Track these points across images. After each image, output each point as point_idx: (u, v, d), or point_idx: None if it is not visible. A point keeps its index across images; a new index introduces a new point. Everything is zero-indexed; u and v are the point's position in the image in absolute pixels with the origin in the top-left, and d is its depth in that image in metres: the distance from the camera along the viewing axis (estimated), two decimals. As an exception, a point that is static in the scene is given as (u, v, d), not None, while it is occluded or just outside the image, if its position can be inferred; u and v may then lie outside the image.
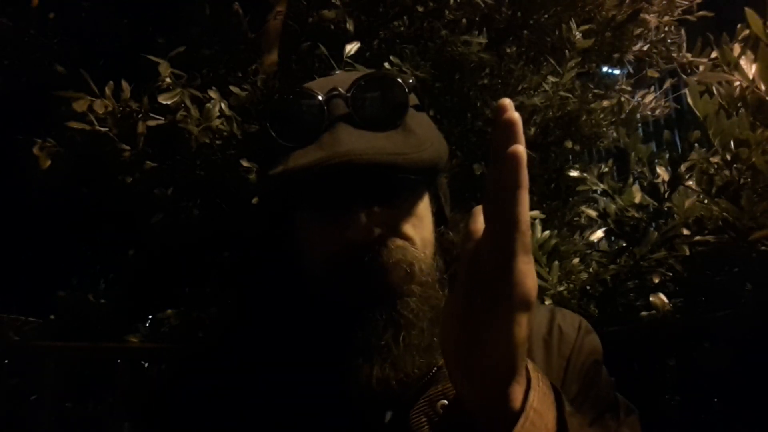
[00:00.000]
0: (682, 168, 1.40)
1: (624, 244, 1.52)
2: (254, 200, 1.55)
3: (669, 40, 2.21)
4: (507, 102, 0.45)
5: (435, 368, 0.65)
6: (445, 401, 0.64)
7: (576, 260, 1.56)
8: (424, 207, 0.71)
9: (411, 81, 0.71)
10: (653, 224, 1.46)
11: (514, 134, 0.44)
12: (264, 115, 0.70)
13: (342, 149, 0.62)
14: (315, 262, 0.67)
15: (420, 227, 0.69)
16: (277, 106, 0.70)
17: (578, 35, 1.83)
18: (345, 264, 0.64)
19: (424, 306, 0.65)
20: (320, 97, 0.67)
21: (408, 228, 0.67)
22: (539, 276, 1.48)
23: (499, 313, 0.46)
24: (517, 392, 0.48)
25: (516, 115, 0.44)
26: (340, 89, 0.67)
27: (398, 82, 0.69)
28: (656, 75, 2.26)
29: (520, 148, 0.44)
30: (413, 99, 0.71)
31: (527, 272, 0.46)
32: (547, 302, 1.44)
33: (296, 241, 0.70)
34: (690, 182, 1.39)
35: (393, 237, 0.66)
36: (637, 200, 1.50)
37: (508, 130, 0.44)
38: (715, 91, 1.28)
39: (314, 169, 0.61)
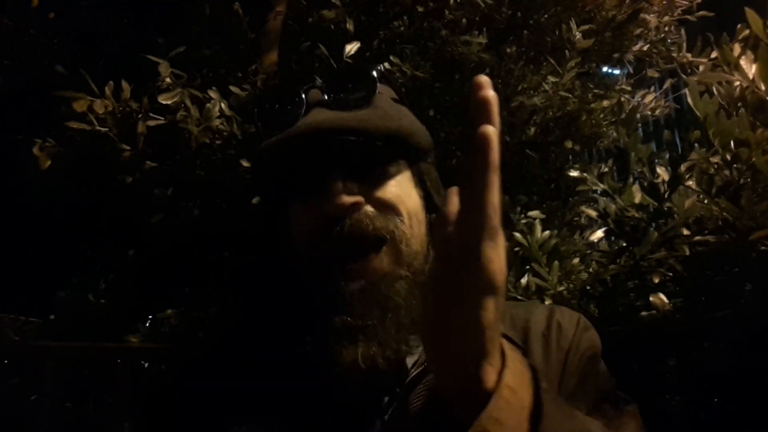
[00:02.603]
0: (682, 168, 1.40)
1: (624, 244, 1.52)
2: (254, 200, 1.55)
3: (669, 40, 2.21)
4: (484, 80, 0.44)
5: None
6: None
7: (576, 260, 1.56)
8: (405, 183, 0.73)
9: (380, 68, 0.77)
10: (653, 224, 1.46)
11: (487, 114, 0.43)
12: (254, 111, 0.76)
13: (309, 121, 0.68)
14: (301, 241, 0.70)
15: (405, 200, 0.71)
16: (264, 101, 0.75)
17: (578, 35, 1.83)
18: (325, 236, 0.66)
19: (413, 289, 0.67)
20: (299, 90, 0.73)
21: (390, 197, 0.70)
22: (539, 276, 1.48)
23: (465, 298, 0.46)
24: (490, 373, 0.48)
25: (491, 94, 0.44)
26: (317, 80, 0.74)
27: (366, 69, 0.75)
28: (656, 75, 2.25)
29: (490, 129, 0.43)
30: (389, 92, 0.77)
31: (493, 257, 0.45)
32: (547, 302, 1.44)
33: (290, 232, 0.72)
34: (690, 182, 1.39)
35: (370, 206, 0.68)
36: (637, 200, 1.50)
37: (482, 109, 0.43)
38: (715, 91, 1.28)
39: (283, 141, 0.67)
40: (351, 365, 0.62)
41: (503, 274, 0.46)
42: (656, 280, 1.35)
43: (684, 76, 1.91)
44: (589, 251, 1.65)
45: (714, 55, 1.44)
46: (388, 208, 0.69)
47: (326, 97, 0.71)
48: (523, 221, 1.68)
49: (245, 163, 1.59)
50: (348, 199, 0.66)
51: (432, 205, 0.77)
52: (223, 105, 1.65)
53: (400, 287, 0.66)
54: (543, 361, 0.71)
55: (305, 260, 0.69)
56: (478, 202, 0.44)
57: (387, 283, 0.66)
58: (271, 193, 0.77)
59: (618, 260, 1.50)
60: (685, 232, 1.35)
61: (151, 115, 1.63)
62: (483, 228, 0.45)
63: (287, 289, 0.72)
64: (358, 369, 0.62)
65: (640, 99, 2.27)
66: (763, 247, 1.15)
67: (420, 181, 0.76)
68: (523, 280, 1.49)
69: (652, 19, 2.17)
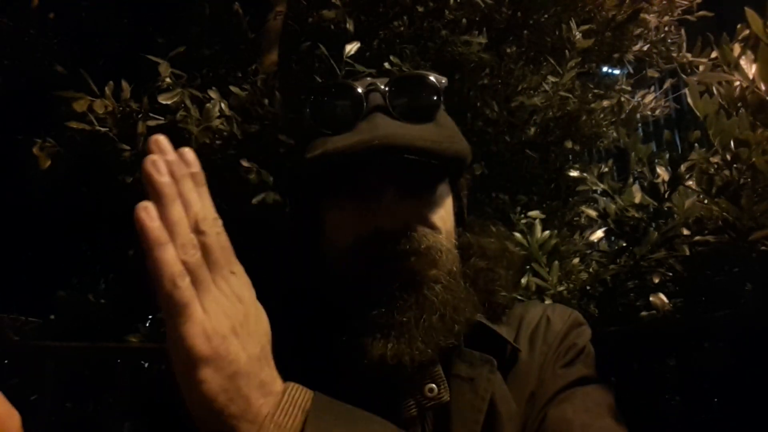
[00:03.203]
0: (682, 168, 1.40)
1: (624, 244, 1.52)
2: (255, 200, 1.55)
3: (669, 40, 2.21)
4: (157, 140, 0.47)
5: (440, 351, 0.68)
6: (433, 385, 0.67)
7: (576, 260, 1.56)
8: (449, 203, 0.74)
9: (444, 82, 0.74)
10: (653, 224, 1.46)
11: (148, 187, 0.46)
12: (305, 105, 0.73)
13: (381, 133, 0.65)
14: (342, 246, 0.69)
15: (446, 220, 0.72)
16: (317, 97, 0.72)
17: (578, 35, 1.83)
18: (374, 248, 0.66)
19: (447, 294, 0.68)
20: (360, 90, 0.70)
21: (436, 218, 0.70)
22: (539, 276, 1.48)
23: (179, 375, 0.46)
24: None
25: (151, 166, 0.46)
26: (378, 84, 0.71)
27: (432, 81, 0.73)
28: (656, 75, 2.25)
29: (140, 206, 0.45)
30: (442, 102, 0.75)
31: (183, 334, 0.45)
32: (547, 302, 1.44)
33: (322, 226, 0.72)
34: (690, 182, 1.39)
35: (422, 225, 0.69)
36: (637, 200, 1.49)
37: (145, 182, 0.46)
38: (715, 91, 1.28)
39: (354, 149, 0.64)
40: (378, 360, 0.62)
41: (205, 345, 0.45)
42: (656, 280, 1.35)
43: (684, 76, 1.90)
44: (589, 251, 1.65)
45: (714, 55, 1.44)
46: (435, 228, 0.70)
47: (388, 102, 0.70)
48: (523, 221, 1.68)
49: (245, 163, 1.58)
50: (404, 217, 0.67)
51: (462, 219, 0.78)
52: (223, 105, 1.65)
53: (439, 290, 0.67)
54: (527, 356, 0.72)
55: (340, 261, 0.69)
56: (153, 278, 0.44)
57: (427, 285, 0.67)
58: (308, 191, 0.76)
59: (618, 260, 1.50)
60: (685, 232, 1.35)
61: (151, 115, 1.63)
62: (164, 307, 0.45)
63: (305, 289, 0.72)
64: (384, 364, 0.62)
65: (640, 99, 2.27)
66: (763, 247, 1.15)
67: (456, 197, 0.77)
68: (523, 280, 1.49)
69: (652, 19, 2.17)
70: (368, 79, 0.77)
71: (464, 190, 0.80)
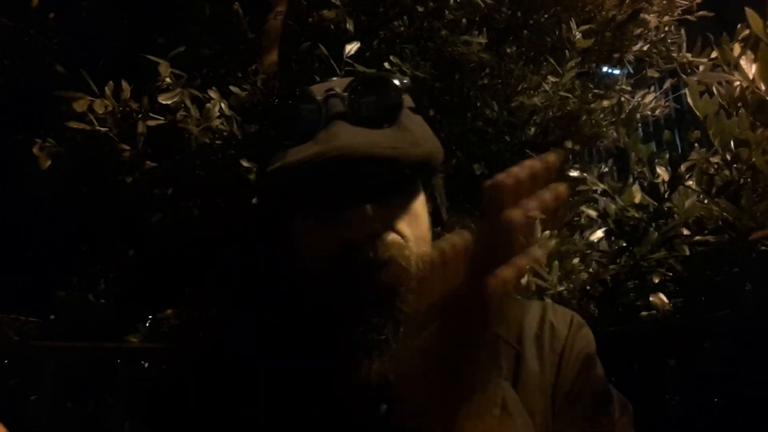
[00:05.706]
0: (682, 168, 1.40)
1: (624, 244, 1.52)
2: (254, 200, 1.55)
3: (669, 40, 2.21)
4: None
5: None
6: None
7: (576, 260, 1.56)
8: (420, 205, 0.71)
9: (406, 82, 0.72)
10: (653, 224, 1.46)
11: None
12: (264, 116, 0.71)
13: (339, 143, 0.63)
14: (311, 262, 0.68)
15: (416, 225, 0.69)
16: (277, 106, 0.71)
17: (578, 35, 1.83)
18: (341, 263, 0.64)
19: (418, 305, 0.66)
20: (318, 97, 0.68)
21: (403, 226, 0.68)
22: (539, 276, 1.48)
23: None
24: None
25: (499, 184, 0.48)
26: (336, 89, 0.68)
27: (393, 83, 0.70)
28: (656, 75, 2.25)
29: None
30: (408, 101, 0.72)
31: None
32: (546, 302, 1.44)
33: (291, 240, 0.71)
34: (690, 182, 1.39)
35: (387, 234, 0.66)
36: (637, 200, 1.49)
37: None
38: (715, 91, 1.28)
39: (311, 163, 0.62)
40: (363, 381, 0.61)
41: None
42: (656, 280, 1.35)
43: (684, 76, 1.91)
44: (589, 251, 1.65)
45: (714, 55, 1.44)
46: (402, 235, 0.68)
47: (347, 108, 0.67)
48: (523, 221, 1.67)
49: (245, 163, 1.58)
50: (372, 227, 0.65)
51: (439, 218, 0.76)
52: (223, 105, 1.65)
53: (411, 301, 0.65)
54: (537, 363, 0.70)
55: (313, 274, 0.68)
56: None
57: (400, 298, 0.65)
58: (276, 203, 0.75)
59: (618, 260, 1.50)
60: (685, 232, 1.35)
61: (151, 115, 1.63)
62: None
63: (282, 290, 0.72)
64: (369, 385, 0.61)
65: (640, 99, 2.26)
66: (763, 247, 1.15)
67: (431, 197, 0.75)
68: (523, 280, 1.49)
69: (652, 19, 2.17)
70: (333, 80, 0.74)
71: (439, 189, 0.77)
